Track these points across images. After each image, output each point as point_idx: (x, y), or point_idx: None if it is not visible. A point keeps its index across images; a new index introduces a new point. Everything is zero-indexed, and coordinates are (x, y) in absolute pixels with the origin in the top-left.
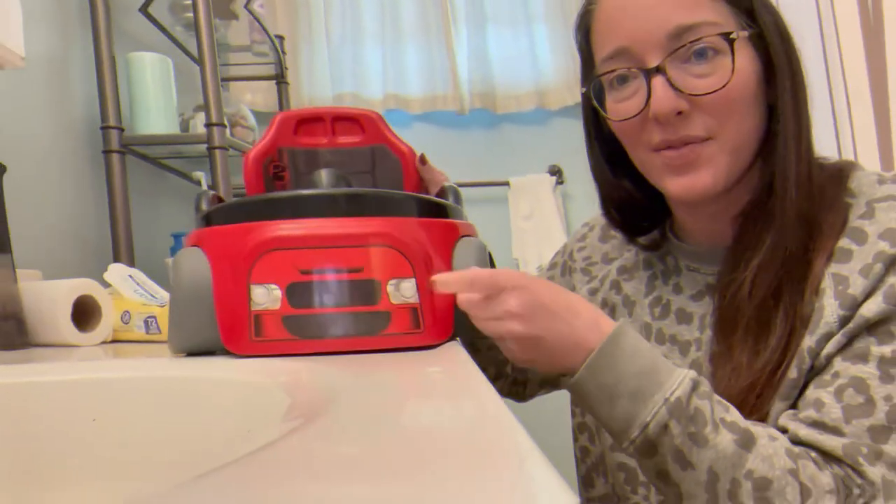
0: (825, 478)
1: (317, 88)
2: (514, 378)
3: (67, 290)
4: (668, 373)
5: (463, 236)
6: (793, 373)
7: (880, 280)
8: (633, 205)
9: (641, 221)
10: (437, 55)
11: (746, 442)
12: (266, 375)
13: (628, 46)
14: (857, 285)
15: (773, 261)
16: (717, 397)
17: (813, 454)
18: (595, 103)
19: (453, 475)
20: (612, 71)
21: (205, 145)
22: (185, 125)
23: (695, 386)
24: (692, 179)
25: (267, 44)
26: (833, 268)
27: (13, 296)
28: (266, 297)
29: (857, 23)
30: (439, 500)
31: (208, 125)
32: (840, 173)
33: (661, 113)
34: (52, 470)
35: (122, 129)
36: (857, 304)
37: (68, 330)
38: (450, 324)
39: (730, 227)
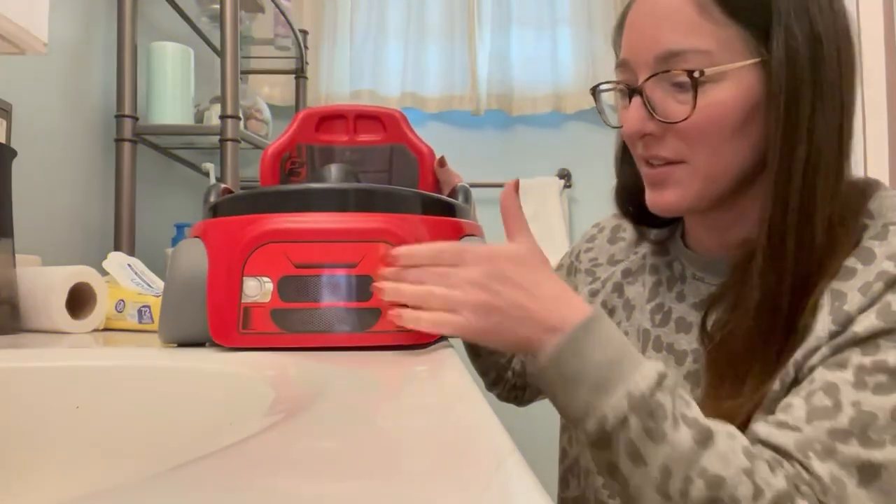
0: (778, 479)
1: (335, 84)
2: (514, 383)
3: (64, 277)
4: (633, 365)
5: (466, 235)
6: (776, 385)
7: (878, 298)
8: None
9: (653, 217)
10: (458, 55)
11: (704, 439)
12: (252, 369)
13: (628, 60)
14: (853, 302)
15: (768, 305)
16: (680, 391)
17: (767, 454)
18: (598, 107)
19: (430, 474)
20: (616, 82)
21: (217, 137)
22: (199, 116)
23: (660, 380)
24: (660, 196)
25: (290, 38)
26: (834, 285)
27: (10, 281)
28: (258, 289)
29: (882, 42)
30: (412, 499)
31: (223, 117)
32: (862, 194)
33: (627, 134)
34: (33, 456)
35: (136, 119)
36: (850, 321)
37: (61, 317)
38: None
39: (733, 240)
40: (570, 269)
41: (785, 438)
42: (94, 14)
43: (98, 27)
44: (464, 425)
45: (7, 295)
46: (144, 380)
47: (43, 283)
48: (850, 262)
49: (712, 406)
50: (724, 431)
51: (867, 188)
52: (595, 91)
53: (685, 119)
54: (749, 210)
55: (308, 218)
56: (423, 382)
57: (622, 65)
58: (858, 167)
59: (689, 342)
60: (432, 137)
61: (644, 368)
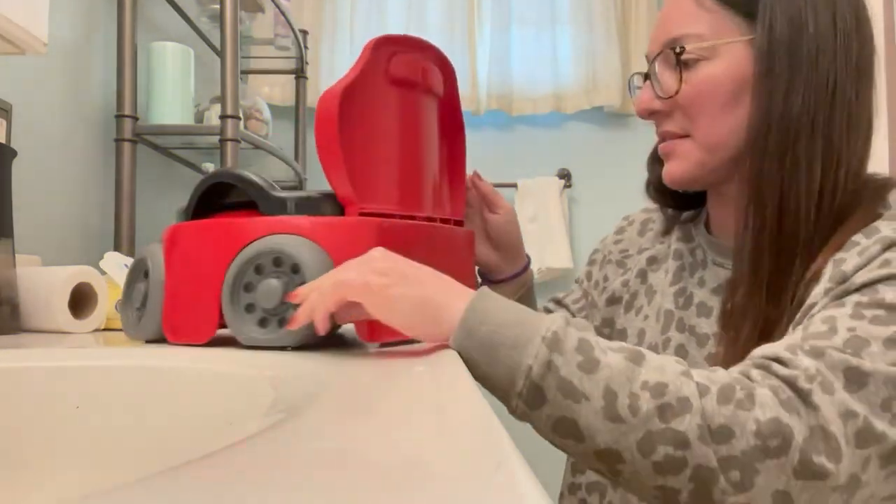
0: (719, 374)
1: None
2: None
3: (66, 277)
4: (539, 318)
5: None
6: None
7: (875, 257)
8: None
9: (680, 200)
10: (458, 55)
11: (636, 357)
12: (252, 369)
13: (648, 51)
14: (850, 264)
15: (757, 280)
16: (588, 333)
17: (739, 368)
18: (630, 94)
19: (430, 474)
20: (642, 73)
21: (217, 137)
22: (199, 116)
23: (567, 322)
24: (668, 167)
25: (290, 38)
26: (837, 255)
27: (10, 281)
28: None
29: (882, 41)
30: (412, 499)
31: (223, 117)
32: (882, 188)
33: (636, 111)
34: (33, 456)
35: (136, 119)
36: (846, 278)
37: (63, 317)
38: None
39: None
40: (603, 262)
41: (773, 348)
42: (94, 14)
43: (98, 27)
44: (463, 425)
45: (7, 295)
46: (144, 380)
47: (44, 283)
48: (857, 237)
49: (732, 352)
50: (651, 353)
51: (888, 183)
52: (630, 86)
53: (676, 92)
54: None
55: None
56: (422, 382)
57: (646, 57)
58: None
59: (710, 326)
60: None
61: (551, 317)
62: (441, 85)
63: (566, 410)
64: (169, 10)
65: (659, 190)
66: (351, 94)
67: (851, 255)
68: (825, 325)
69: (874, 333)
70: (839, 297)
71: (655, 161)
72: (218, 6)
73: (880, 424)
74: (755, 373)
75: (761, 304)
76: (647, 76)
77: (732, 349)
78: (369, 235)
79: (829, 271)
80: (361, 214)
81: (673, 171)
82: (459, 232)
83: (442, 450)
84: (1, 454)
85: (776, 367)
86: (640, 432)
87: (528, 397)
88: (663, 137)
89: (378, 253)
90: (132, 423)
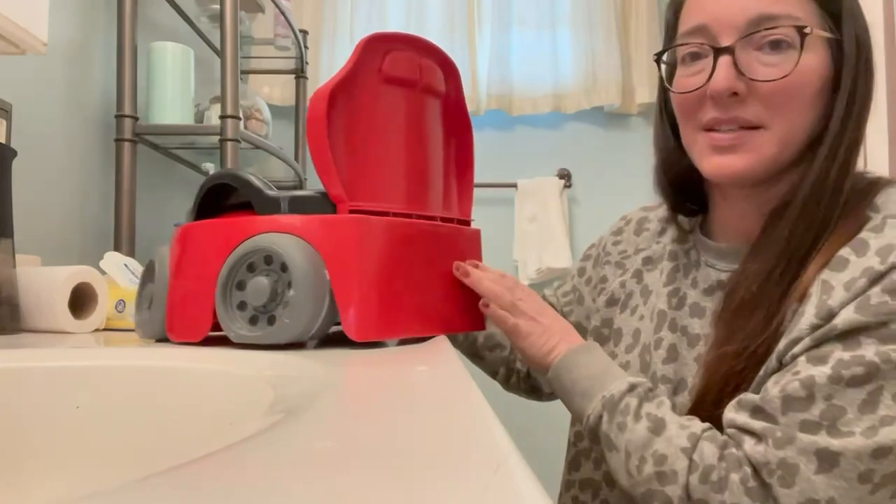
0: (710, 456)
1: None
2: (527, 371)
3: (66, 277)
4: (613, 378)
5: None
6: (761, 371)
7: (860, 293)
8: (685, 181)
9: (687, 201)
10: (458, 55)
11: (657, 428)
12: (253, 369)
13: (707, 24)
14: (836, 297)
15: (780, 256)
16: (654, 395)
17: (719, 439)
18: (662, 74)
19: (430, 474)
20: (687, 44)
21: (217, 137)
22: (199, 116)
23: (630, 388)
24: (729, 160)
25: (290, 38)
26: (825, 274)
27: (10, 281)
28: None
29: (882, 41)
30: (411, 500)
31: (223, 117)
32: (871, 187)
33: (717, 90)
34: (33, 456)
35: (136, 119)
36: (831, 316)
37: (64, 317)
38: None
39: (758, 227)
40: (596, 261)
41: (755, 425)
42: (94, 14)
43: (98, 27)
44: (464, 425)
45: (7, 295)
46: (144, 380)
47: (45, 283)
48: (845, 252)
49: (715, 359)
50: (678, 422)
51: (877, 183)
52: (659, 58)
53: (783, 78)
54: (777, 192)
55: None
56: (422, 382)
57: (698, 30)
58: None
59: (701, 327)
60: None
61: (620, 379)
62: (442, 83)
63: (606, 453)
64: (169, 10)
65: (675, 185)
66: (341, 94)
67: (839, 285)
68: (804, 391)
69: (850, 398)
70: (821, 342)
71: (679, 150)
72: (218, 6)
73: None
74: (732, 453)
75: (767, 263)
76: (718, 52)
77: (723, 317)
78: (357, 233)
79: (816, 294)
80: (352, 212)
81: (736, 166)
82: (465, 231)
83: (442, 450)
84: (1, 454)
85: (748, 446)
86: (643, 488)
87: (589, 433)
88: (728, 124)
89: (529, 301)
90: (132, 423)
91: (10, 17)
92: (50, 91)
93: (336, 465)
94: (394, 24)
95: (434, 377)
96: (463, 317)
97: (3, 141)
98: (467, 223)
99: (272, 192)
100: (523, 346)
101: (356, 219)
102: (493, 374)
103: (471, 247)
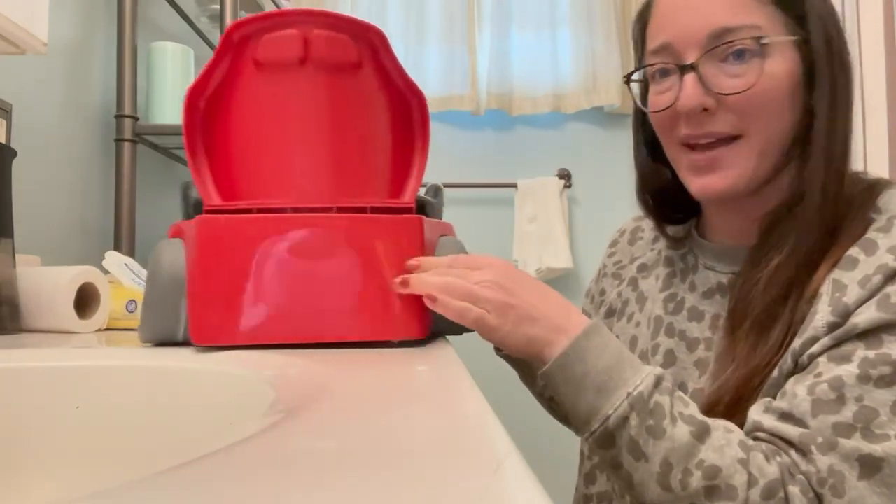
0: (771, 468)
1: None
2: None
3: (72, 277)
4: (633, 370)
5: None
6: (774, 372)
7: (877, 291)
8: (668, 193)
9: (674, 212)
10: (458, 55)
11: (701, 434)
12: (253, 369)
13: (671, 42)
14: (852, 294)
15: (789, 262)
16: (679, 393)
17: (764, 446)
18: (633, 95)
19: (430, 474)
20: (653, 65)
21: None
22: None
23: (657, 382)
24: (711, 180)
25: None
26: (836, 274)
27: (10, 281)
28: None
29: (881, 41)
30: (411, 500)
31: None
32: (872, 189)
33: (686, 108)
34: (34, 456)
35: (136, 119)
36: (848, 313)
37: (68, 317)
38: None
39: (755, 228)
40: (598, 274)
41: (789, 431)
42: (94, 14)
43: (98, 27)
44: (464, 425)
45: (7, 295)
46: (144, 380)
47: (48, 283)
48: (854, 251)
49: (721, 369)
50: (721, 426)
51: (877, 184)
52: (629, 79)
53: (748, 89)
54: (773, 195)
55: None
56: (423, 382)
57: (663, 48)
58: (858, 166)
59: (700, 330)
60: (432, 137)
61: (643, 372)
62: (353, 53)
63: (626, 463)
64: (169, 10)
65: (656, 199)
66: (201, 95)
67: (852, 283)
68: (833, 393)
69: (881, 400)
70: (841, 341)
71: (656, 166)
72: (218, 6)
73: None
74: (784, 463)
75: (768, 300)
76: (683, 70)
77: (731, 348)
78: (199, 233)
79: (828, 293)
80: (207, 212)
81: (718, 185)
82: (384, 221)
83: (442, 450)
84: (1, 454)
85: (795, 455)
86: None
87: (599, 438)
88: (693, 146)
89: (502, 278)
90: (132, 423)
91: (10, 17)
92: (50, 91)
93: (336, 465)
94: (393, 24)
95: (434, 377)
96: (378, 322)
97: (3, 141)
98: (408, 210)
99: (193, 196)
100: (497, 340)
101: (199, 219)
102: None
103: (396, 238)
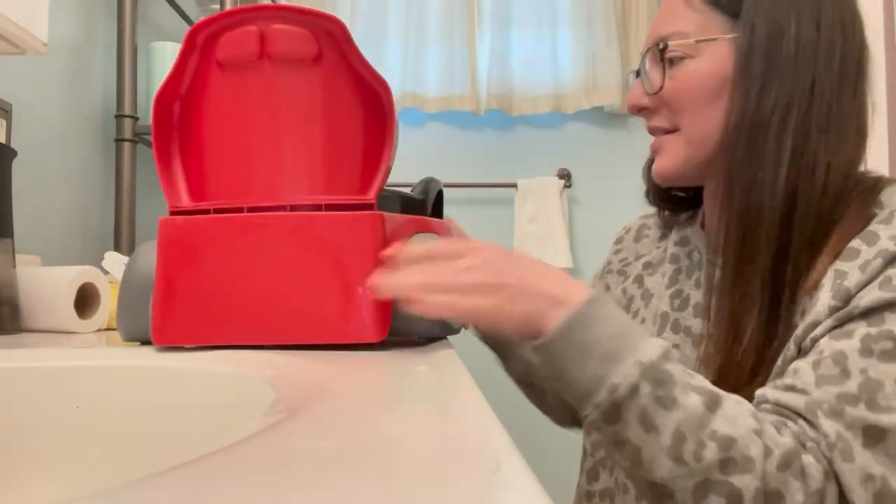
0: (785, 438)
1: None
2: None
3: (72, 277)
4: (640, 337)
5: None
6: (778, 360)
7: (878, 273)
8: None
9: (678, 203)
10: (458, 55)
11: (712, 403)
12: (253, 369)
13: (642, 49)
14: (852, 279)
15: (784, 257)
16: (682, 366)
17: (772, 417)
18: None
19: (430, 475)
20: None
21: None
22: None
23: (665, 352)
24: (656, 164)
25: None
26: (837, 265)
27: (10, 281)
28: None
29: (881, 41)
30: (411, 500)
31: None
32: (874, 186)
33: (628, 105)
34: (34, 456)
35: (136, 119)
36: (849, 297)
37: (69, 317)
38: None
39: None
40: (602, 271)
41: (794, 400)
42: (94, 14)
43: (98, 27)
44: (464, 425)
45: (7, 295)
46: (145, 380)
47: (49, 283)
48: (855, 243)
49: (714, 360)
50: (731, 397)
51: (879, 181)
52: (628, 84)
53: (661, 88)
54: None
55: None
56: (423, 382)
57: (641, 55)
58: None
59: (705, 327)
60: (431, 138)
61: (651, 341)
62: (313, 46)
63: (634, 436)
64: (169, 10)
65: (658, 195)
66: (168, 98)
67: (853, 269)
68: (837, 367)
69: (886, 372)
70: (844, 321)
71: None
72: (218, 6)
73: None
74: (796, 431)
75: (734, 302)
76: (638, 73)
77: (718, 317)
78: (161, 234)
79: (829, 282)
80: (172, 214)
81: (660, 167)
82: (344, 218)
83: (442, 450)
84: (1, 454)
85: (804, 426)
86: (699, 478)
87: (604, 411)
88: (652, 133)
89: (491, 259)
90: (132, 423)
91: (10, 17)
92: (50, 91)
93: (336, 466)
94: (393, 24)
95: (434, 377)
96: (329, 325)
97: (3, 141)
98: (368, 206)
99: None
100: (493, 323)
101: (160, 221)
102: (542, 403)
103: (353, 236)
